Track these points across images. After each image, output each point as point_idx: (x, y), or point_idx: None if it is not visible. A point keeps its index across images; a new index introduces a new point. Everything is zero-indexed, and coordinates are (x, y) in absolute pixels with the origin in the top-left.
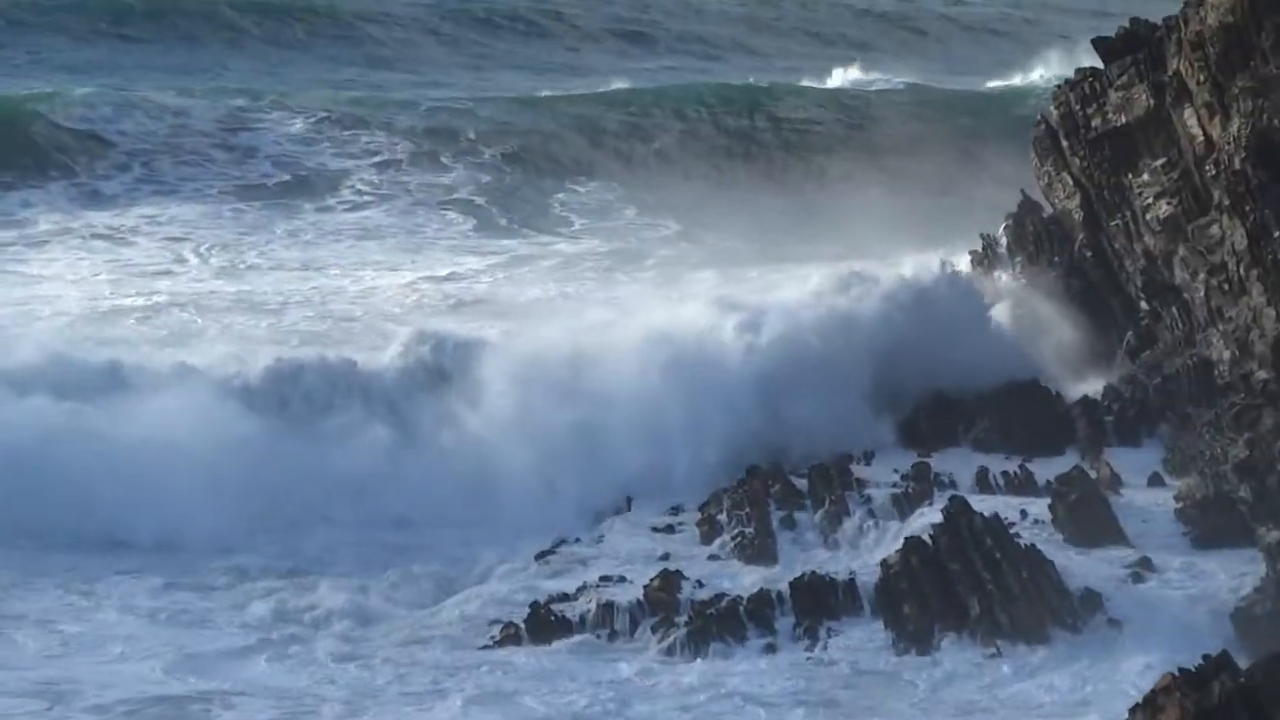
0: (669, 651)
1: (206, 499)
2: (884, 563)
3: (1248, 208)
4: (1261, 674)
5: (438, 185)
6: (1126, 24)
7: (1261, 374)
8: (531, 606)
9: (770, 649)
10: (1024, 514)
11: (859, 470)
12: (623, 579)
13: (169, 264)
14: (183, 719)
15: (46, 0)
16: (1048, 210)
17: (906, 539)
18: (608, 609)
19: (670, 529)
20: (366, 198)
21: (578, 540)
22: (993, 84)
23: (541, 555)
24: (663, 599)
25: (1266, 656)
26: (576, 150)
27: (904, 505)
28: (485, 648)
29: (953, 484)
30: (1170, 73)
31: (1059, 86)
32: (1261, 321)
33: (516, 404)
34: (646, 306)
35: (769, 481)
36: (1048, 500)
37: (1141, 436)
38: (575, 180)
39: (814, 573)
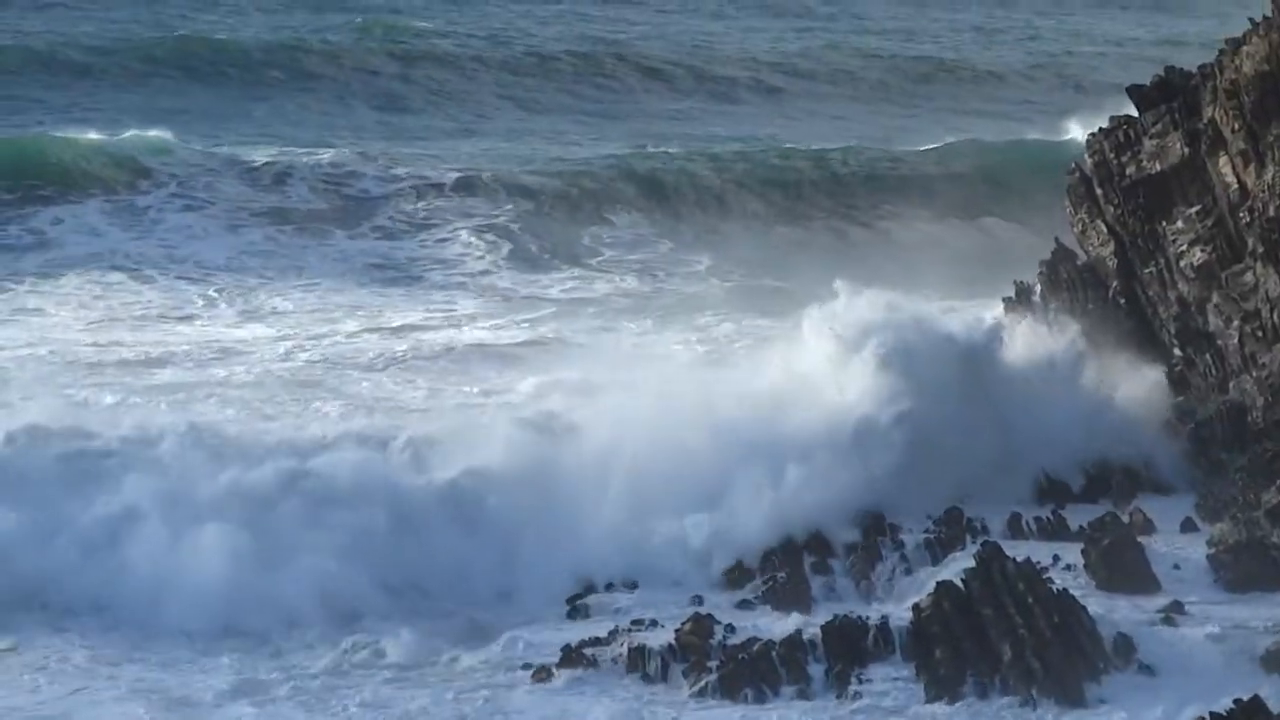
0: (700, 695)
1: None
2: (916, 607)
3: None
4: None
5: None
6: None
7: None
8: (564, 649)
9: (802, 694)
10: (1056, 559)
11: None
12: (654, 623)
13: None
14: None
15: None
16: (1082, 257)
17: (938, 583)
18: (639, 652)
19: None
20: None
21: (609, 586)
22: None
23: (573, 599)
24: (694, 643)
25: None
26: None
27: (936, 550)
28: (515, 688)
29: (985, 529)
30: (1205, 120)
31: (1093, 134)
32: None
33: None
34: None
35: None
36: (1080, 546)
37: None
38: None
39: (845, 616)
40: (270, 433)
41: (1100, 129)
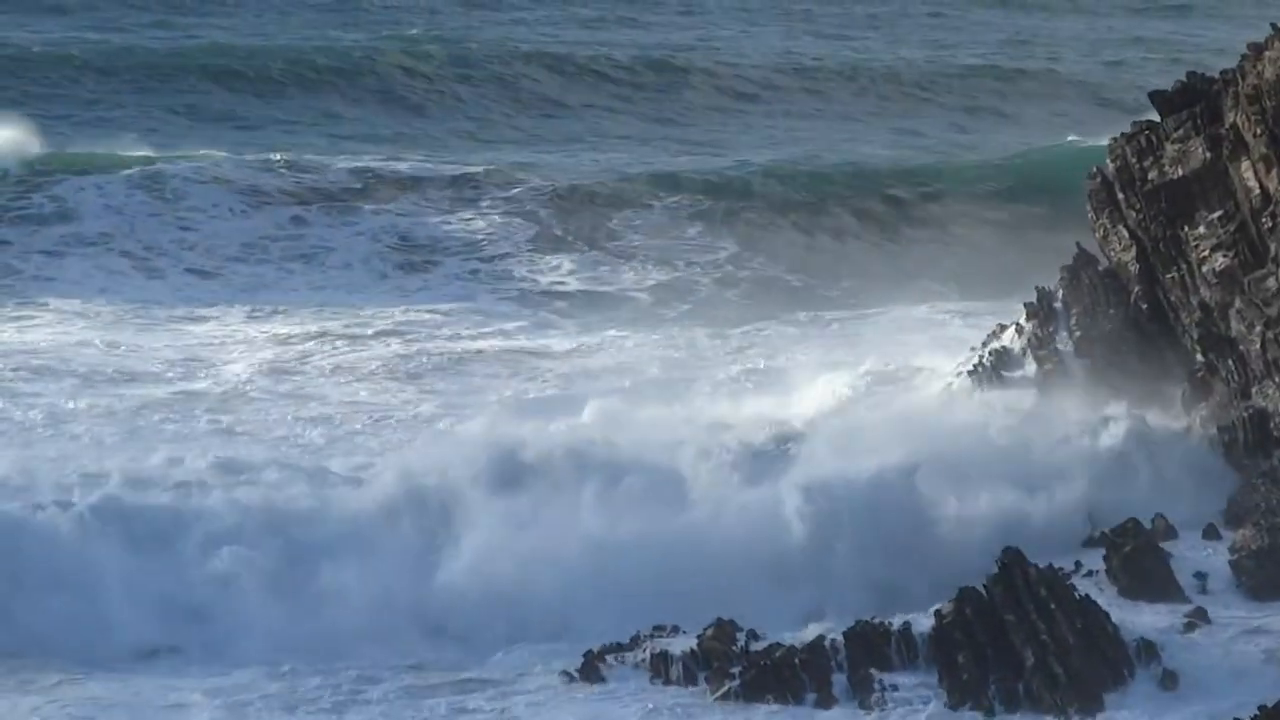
0: (723, 701)
1: None
2: (938, 613)
3: None
4: None
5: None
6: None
7: None
8: (585, 655)
9: (825, 701)
10: (1078, 565)
11: None
12: (677, 629)
13: None
14: None
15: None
16: (1103, 263)
17: (961, 589)
18: (662, 658)
19: None
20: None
21: None
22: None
23: None
24: (717, 649)
25: None
26: None
27: None
28: (535, 692)
29: None
30: (1227, 126)
31: (1115, 139)
32: None
33: None
34: None
35: None
36: (1102, 551)
37: None
38: None
39: (867, 622)
40: None
41: (1122, 134)
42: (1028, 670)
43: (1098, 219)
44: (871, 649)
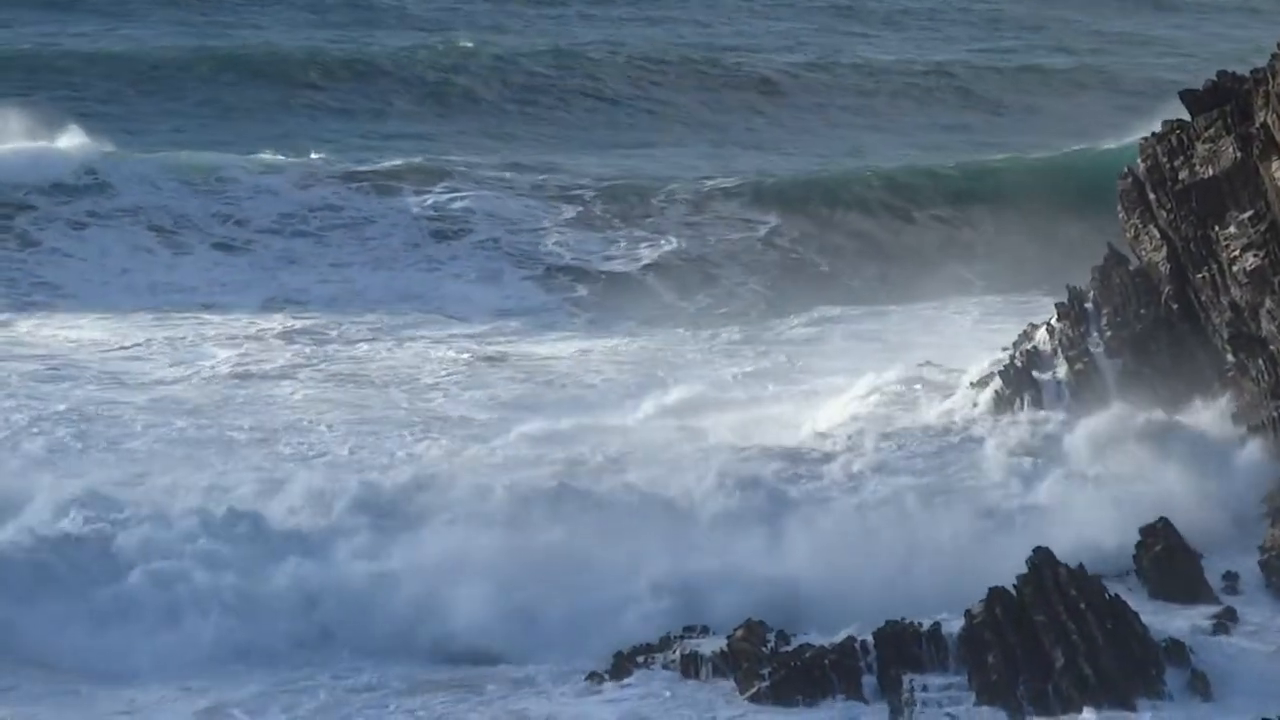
0: (753, 701)
1: None
2: (968, 613)
3: None
4: None
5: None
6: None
7: None
8: (615, 656)
9: (854, 701)
10: None
11: None
12: (706, 629)
13: None
14: None
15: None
16: (1134, 263)
17: (991, 589)
18: (692, 659)
19: None
20: None
21: None
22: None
23: None
24: (747, 650)
25: None
26: None
27: None
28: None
29: None
30: (1258, 125)
31: (1145, 139)
32: None
33: None
34: None
35: None
36: (1132, 552)
37: None
38: None
39: (897, 623)
40: None
41: (1152, 133)
42: (1057, 671)
43: (1129, 219)
44: (901, 649)
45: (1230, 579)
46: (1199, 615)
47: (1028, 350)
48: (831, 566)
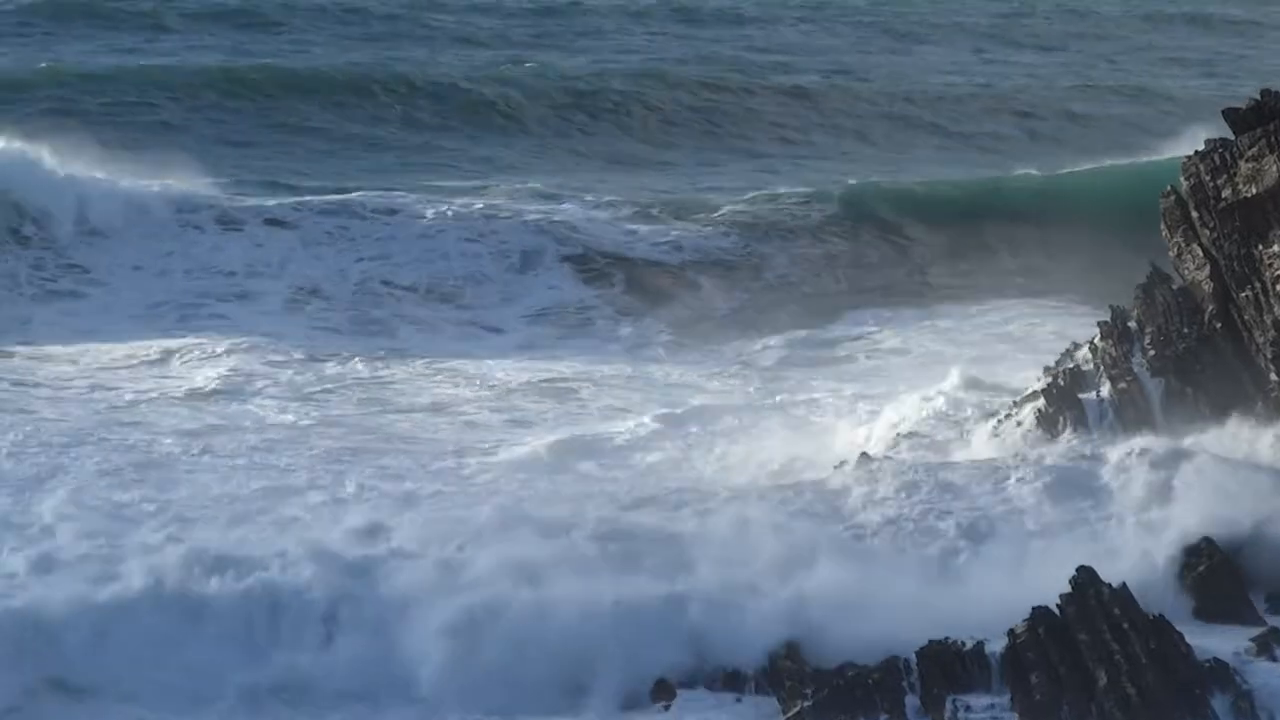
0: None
1: None
2: (1011, 632)
3: None
4: None
5: None
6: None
7: None
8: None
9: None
10: None
11: None
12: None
13: None
14: None
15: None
16: (1177, 282)
17: (1034, 609)
18: (733, 677)
19: None
20: None
21: None
22: None
23: None
24: (789, 668)
25: None
26: None
27: None
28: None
29: None
30: None
31: (1188, 157)
32: None
33: None
34: None
35: None
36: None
37: None
38: None
39: (940, 642)
40: None
41: (1196, 152)
42: (1100, 690)
43: (1171, 237)
44: (944, 669)
45: (1274, 600)
46: (1243, 636)
47: (1070, 369)
48: None
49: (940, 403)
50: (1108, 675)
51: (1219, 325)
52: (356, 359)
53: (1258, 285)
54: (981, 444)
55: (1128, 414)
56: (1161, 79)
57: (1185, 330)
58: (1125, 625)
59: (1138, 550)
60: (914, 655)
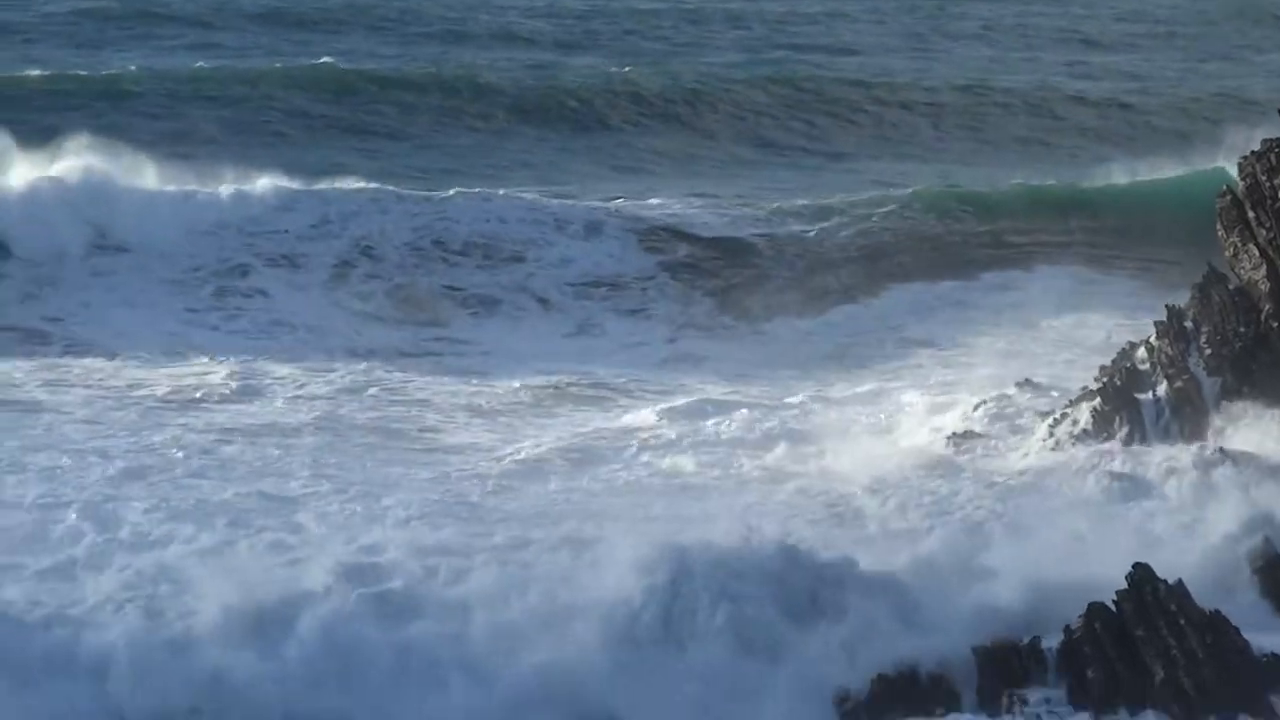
0: (851, 715)
1: None
2: (1067, 628)
3: None
4: None
5: None
6: None
7: None
8: None
9: (953, 713)
10: None
11: None
12: None
13: None
14: None
15: None
16: (1234, 281)
17: (1090, 605)
18: None
19: None
20: None
21: None
22: None
23: None
24: None
25: None
26: None
27: None
28: None
29: None
30: None
31: (1245, 157)
32: None
33: None
34: None
35: None
36: None
37: None
38: None
39: (997, 638)
40: None
41: (1252, 152)
42: (1157, 685)
43: (1228, 237)
44: (1000, 664)
45: None
46: None
47: (1127, 368)
48: None
49: (998, 403)
50: (1164, 670)
51: (1275, 324)
52: None
53: None
54: (1038, 443)
55: (1184, 412)
56: None
57: (1241, 329)
58: (1181, 621)
59: (1194, 547)
60: (970, 650)
